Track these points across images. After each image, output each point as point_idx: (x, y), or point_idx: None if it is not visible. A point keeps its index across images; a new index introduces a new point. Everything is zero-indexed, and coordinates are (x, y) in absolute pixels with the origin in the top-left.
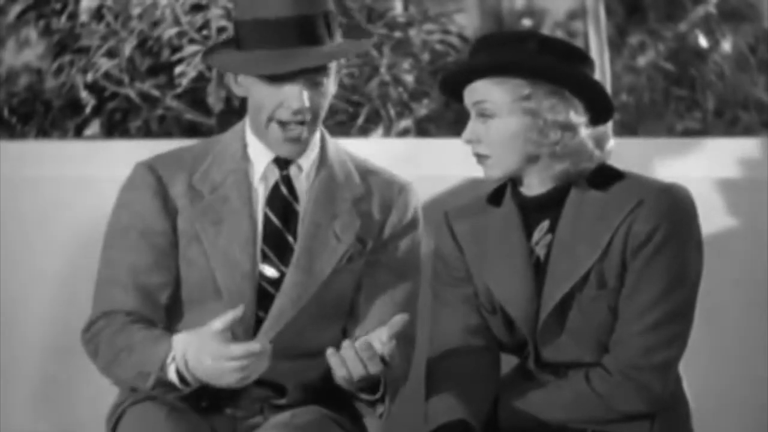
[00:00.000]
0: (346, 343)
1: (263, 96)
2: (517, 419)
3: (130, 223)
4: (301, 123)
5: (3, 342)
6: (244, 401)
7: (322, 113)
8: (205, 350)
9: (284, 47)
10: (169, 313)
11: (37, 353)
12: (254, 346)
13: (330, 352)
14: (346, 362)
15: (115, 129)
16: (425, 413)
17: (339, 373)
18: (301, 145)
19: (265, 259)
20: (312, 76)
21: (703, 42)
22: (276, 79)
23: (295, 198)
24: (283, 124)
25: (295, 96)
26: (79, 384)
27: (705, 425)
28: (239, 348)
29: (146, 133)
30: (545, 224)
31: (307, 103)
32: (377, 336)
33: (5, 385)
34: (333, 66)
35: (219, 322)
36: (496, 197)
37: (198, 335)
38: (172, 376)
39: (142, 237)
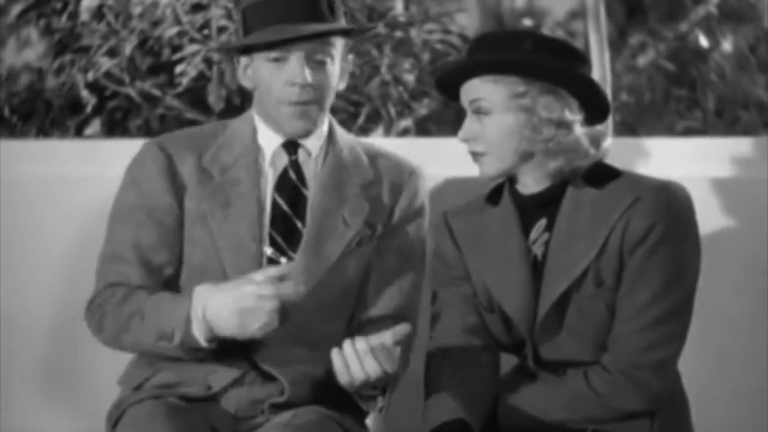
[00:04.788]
0: (347, 344)
1: (270, 77)
2: (517, 419)
3: (136, 200)
4: (307, 103)
5: (4, 341)
6: (247, 400)
7: (329, 94)
8: (239, 293)
9: (286, 23)
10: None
11: (38, 352)
12: (274, 269)
13: (334, 351)
14: (349, 365)
15: (115, 128)
16: (424, 413)
17: (341, 379)
18: (311, 122)
19: (273, 244)
20: (313, 54)
21: (703, 42)
22: (280, 56)
23: (304, 183)
24: (289, 104)
25: (297, 72)
26: (81, 383)
27: (705, 424)
28: (260, 273)
29: (147, 132)
30: (542, 223)
31: (309, 79)
32: (380, 339)
33: (6, 385)
34: (338, 49)
35: (259, 274)
36: (494, 196)
37: (224, 285)
38: (197, 332)
39: (148, 215)
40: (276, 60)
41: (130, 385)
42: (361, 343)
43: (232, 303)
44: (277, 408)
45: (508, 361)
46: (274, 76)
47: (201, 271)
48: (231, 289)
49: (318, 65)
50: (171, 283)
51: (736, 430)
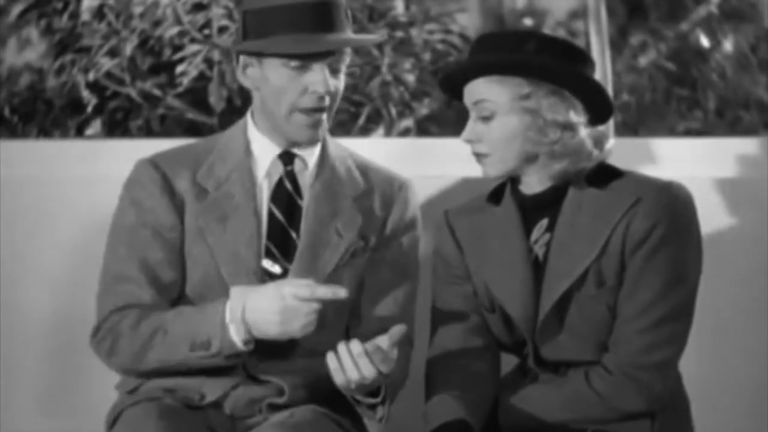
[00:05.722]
0: (341, 345)
1: (286, 83)
2: (517, 419)
3: (139, 220)
4: (322, 109)
5: (4, 342)
6: (244, 401)
7: (338, 101)
8: (281, 292)
9: (307, 32)
10: None
11: (38, 353)
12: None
13: (329, 355)
14: (343, 366)
15: (116, 128)
16: (425, 413)
17: (337, 379)
18: (321, 131)
19: (269, 254)
20: (333, 62)
21: (704, 42)
22: (302, 64)
23: (299, 194)
24: (305, 112)
25: (320, 81)
26: (81, 384)
27: (705, 424)
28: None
29: (147, 132)
30: (544, 223)
31: (331, 88)
32: (377, 343)
33: (7, 386)
34: (347, 59)
35: (306, 288)
36: (495, 196)
37: (268, 286)
38: (235, 335)
39: (153, 233)
40: (297, 67)
41: (126, 389)
42: (356, 345)
43: (273, 302)
44: (275, 407)
45: (508, 361)
46: (292, 83)
47: (202, 286)
48: (270, 290)
49: (334, 73)
50: (179, 302)
51: (736, 430)
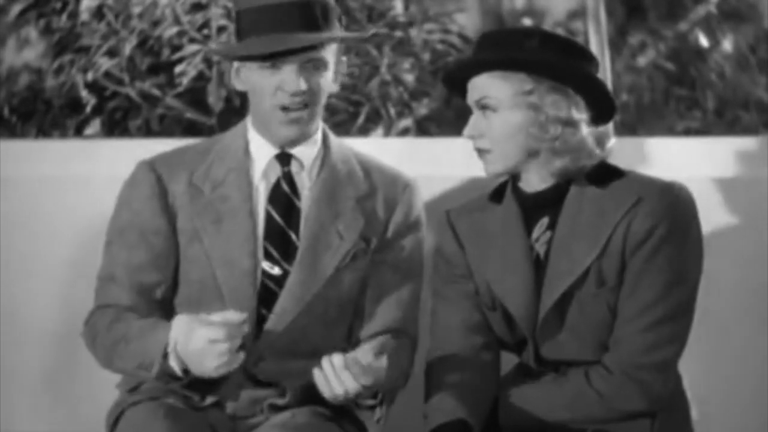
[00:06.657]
0: (325, 360)
1: (262, 82)
2: (517, 419)
3: (128, 221)
4: (302, 107)
5: (4, 341)
6: (245, 401)
7: (322, 97)
8: (193, 334)
9: (279, 32)
10: (171, 312)
11: (38, 352)
12: (233, 314)
13: (315, 371)
14: (328, 380)
15: (115, 128)
16: (425, 413)
17: (324, 393)
18: (302, 127)
19: (268, 256)
20: (306, 62)
21: (703, 41)
22: (273, 64)
23: (297, 195)
24: (284, 109)
25: (291, 79)
26: (81, 383)
27: (705, 425)
28: (218, 315)
29: (147, 132)
30: (545, 221)
31: (303, 86)
32: (355, 356)
33: (6, 385)
34: (331, 55)
35: (218, 316)
36: (497, 195)
37: (192, 319)
38: (173, 363)
39: (139, 235)
40: (268, 67)
41: (127, 387)
42: (337, 359)
43: (188, 343)
44: (276, 408)
45: (508, 361)
46: (267, 81)
47: (199, 287)
48: (190, 330)
49: (311, 72)
50: (163, 302)
51: (736, 430)
